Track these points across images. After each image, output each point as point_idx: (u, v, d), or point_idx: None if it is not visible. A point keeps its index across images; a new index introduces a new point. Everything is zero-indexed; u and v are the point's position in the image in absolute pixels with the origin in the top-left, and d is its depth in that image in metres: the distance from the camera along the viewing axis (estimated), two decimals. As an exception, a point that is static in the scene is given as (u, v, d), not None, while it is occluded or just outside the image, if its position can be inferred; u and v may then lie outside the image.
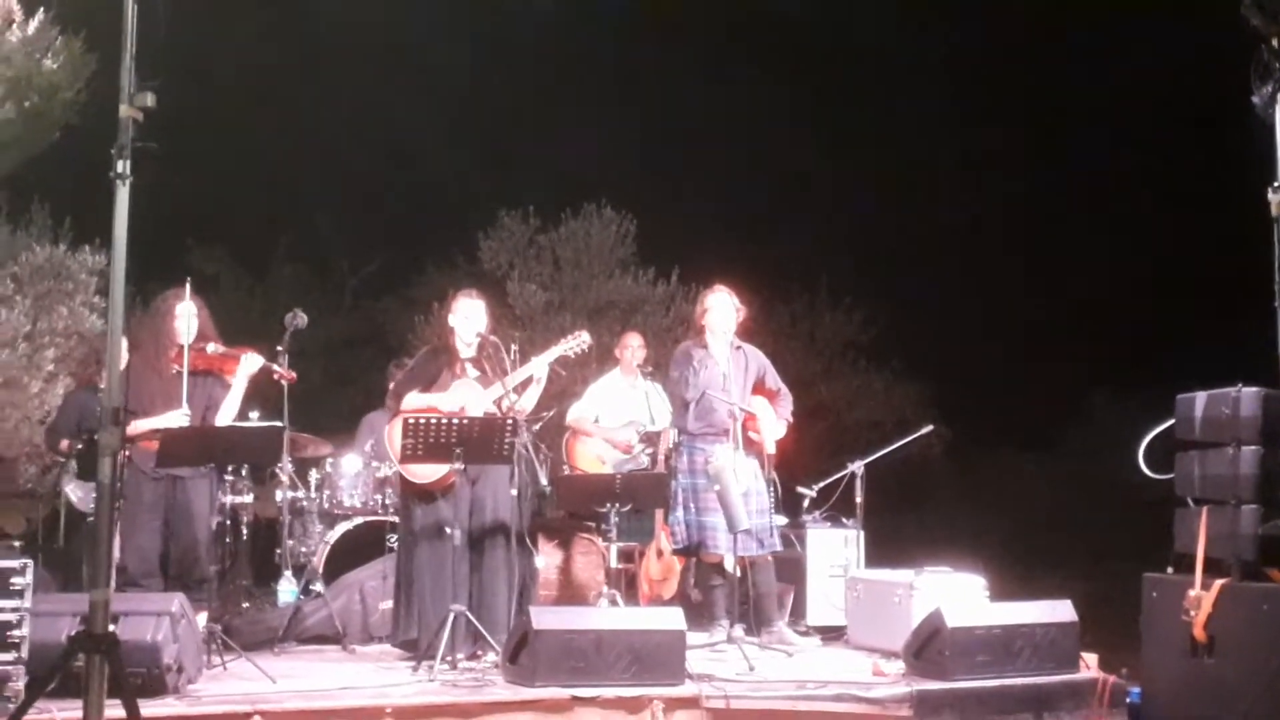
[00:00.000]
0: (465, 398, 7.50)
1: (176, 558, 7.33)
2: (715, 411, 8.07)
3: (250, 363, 7.50)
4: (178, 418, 7.24)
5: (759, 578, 8.14)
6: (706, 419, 8.13)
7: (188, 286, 7.50)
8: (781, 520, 8.41)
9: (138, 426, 7.18)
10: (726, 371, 8.14)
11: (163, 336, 7.44)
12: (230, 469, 8.54)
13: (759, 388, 8.34)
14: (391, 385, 8.35)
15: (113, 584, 6.02)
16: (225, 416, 7.52)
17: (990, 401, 19.55)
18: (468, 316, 7.65)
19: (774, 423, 8.24)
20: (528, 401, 7.60)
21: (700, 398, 8.10)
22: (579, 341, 7.73)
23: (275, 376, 7.69)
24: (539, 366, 7.57)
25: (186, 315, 7.44)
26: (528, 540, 7.84)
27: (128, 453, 7.28)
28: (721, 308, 8.24)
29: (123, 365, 4.77)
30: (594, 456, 9.33)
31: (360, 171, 21.85)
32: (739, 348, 8.31)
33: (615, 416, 9.45)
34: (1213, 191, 14.77)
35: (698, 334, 8.38)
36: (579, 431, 9.45)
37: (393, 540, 8.21)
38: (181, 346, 7.37)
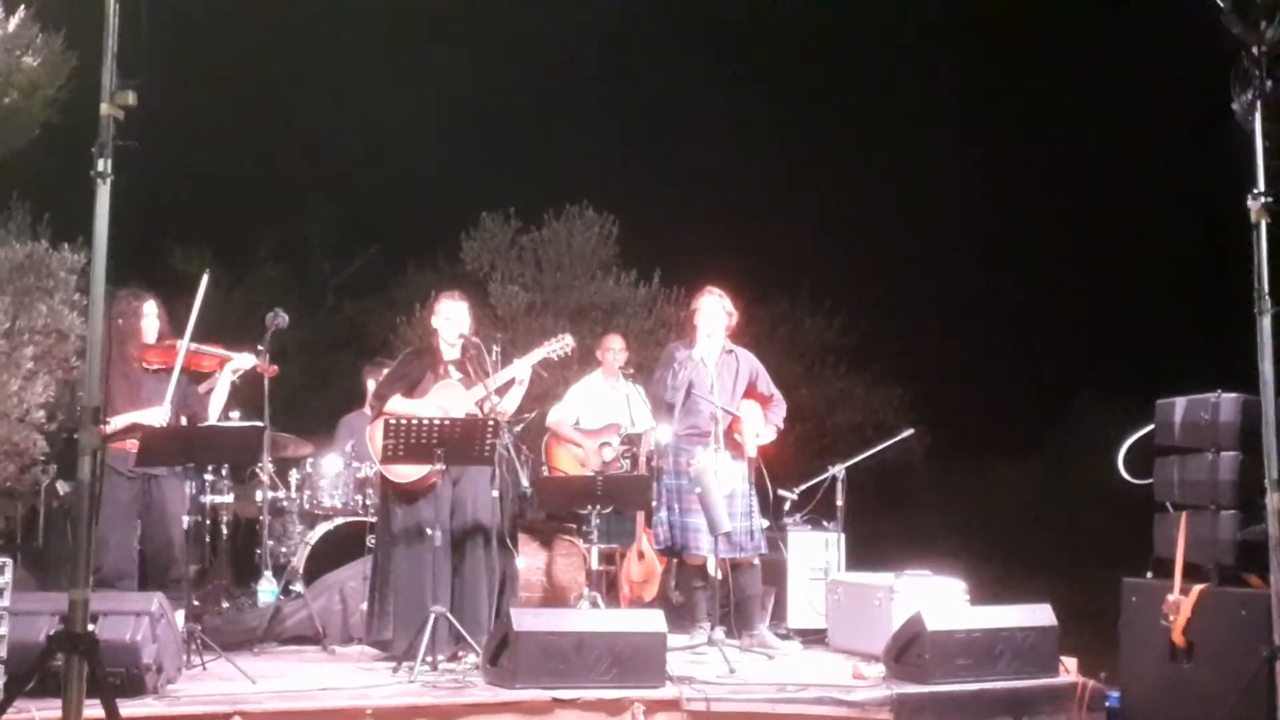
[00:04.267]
0: (448, 400, 7.50)
1: (151, 557, 7.31)
2: (700, 413, 8.07)
3: (241, 361, 7.51)
4: (157, 414, 7.22)
5: (743, 580, 8.13)
6: (691, 420, 8.12)
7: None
8: (763, 523, 8.40)
9: (115, 423, 7.15)
10: (713, 374, 8.13)
11: (128, 338, 7.40)
12: (210, 468, 8.55)
13: (750, 392, 8.32)
14: (373, 386, 8.36)
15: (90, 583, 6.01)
16: (214, 413, 7.56)
17: (971, 406, 19.58)
18: (449, 318, 7.65)
19: (760, 427, 8.23)
20: (509, 403, 7.61)
21: (686, 399, 8.10)
22: (562, 344, 7.74)
23: (258, 368, 7.68)
24: (522, 369, 7.58)
25: (151, 315, 7.46)
26: (508, 541, 7.84)
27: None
28: (710, 310, 8.21)
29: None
30: (573, 459, 9.33)
31: (343, 172, 21.81)
32: (730, 351, 8.28)
33: (596, 418, 9.45)
34: (1196, 197, 14.82)
35: (688, 335, 8.38)
36: (558, 435, 9.44)
37: (373, 541, 8.20)
38: (149, 346, 7.39)
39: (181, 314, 7.52)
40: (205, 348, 7.51)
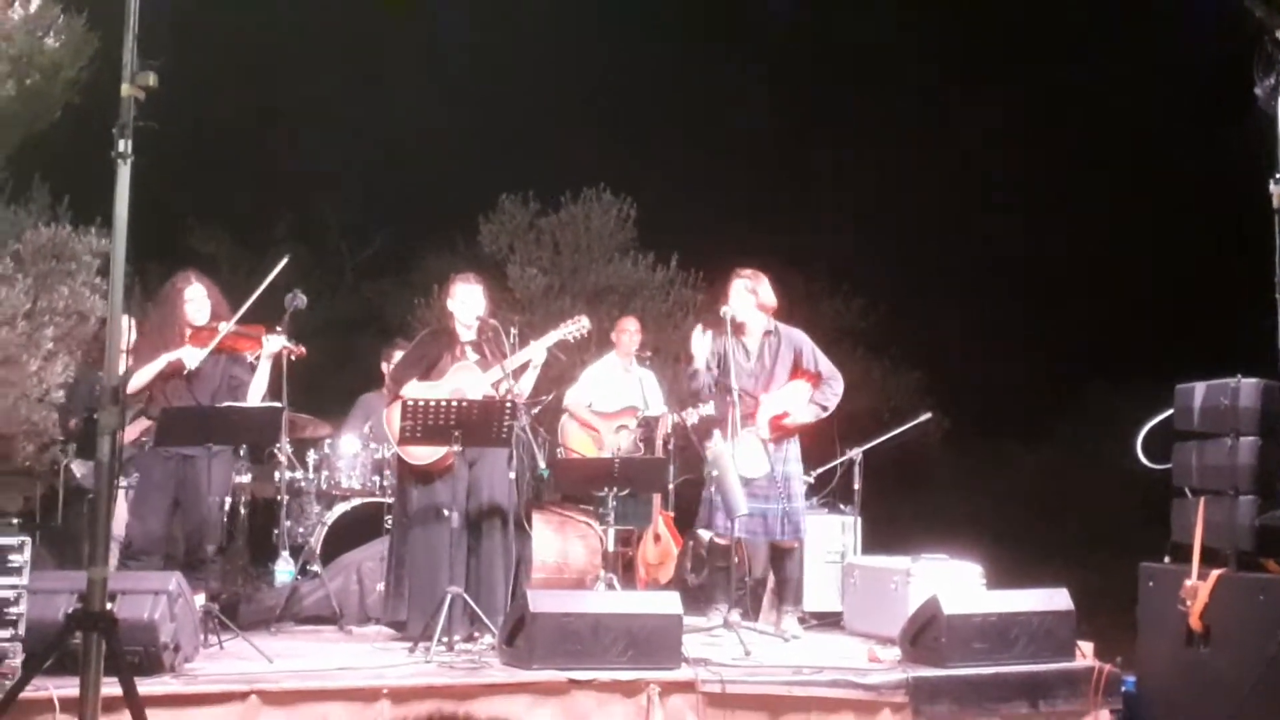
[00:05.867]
0: (463, 381, 7.51)
1: (184, 536, 7.37)
2: (725, 398, 8.02)
3: (272, 343, 7.55)
4: (192, 354, 7.29)
5: (777, 564, 8.13)
6: (721, 403, 8.06)
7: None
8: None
9: (140, 377, 7.22)
10: (751, 355, 8.08)
11: (171, 321, 7.48)
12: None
13: (797, 371, 8.15)
14: (390, 368, 8.37)
15: (112, 561, 6.07)
16: (255, 395, 7.61)
17: (988, 390, 19.53)
18: (464, 300, 7.66)
19: (794, 406, 8.05)
20: (525, 385, 7.61)
21: (714, 381, 8.06)
22: (578, 326, 7.74)
23: (286, 352, 7.71)
24: (537, 351, 7.59)
25: (198, 298, 7.51)
26: (525, 523, 7.85)
27: (142, 432, 7.34)
28: (734, 293, 8.09)
29: (124, 345, 4.77)
30: (588, 440, 9.33)
31: (361, 153, 21.81)
32: (770, 332, 8.16)
33: (610, 401, 9.44)
34: (1214, 182, 14.75)
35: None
36: (575, 416, 9.45)
37: (390, 521, 8.23)
38: (194, 328, 7.44)
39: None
40: (244, 330, 7.55)
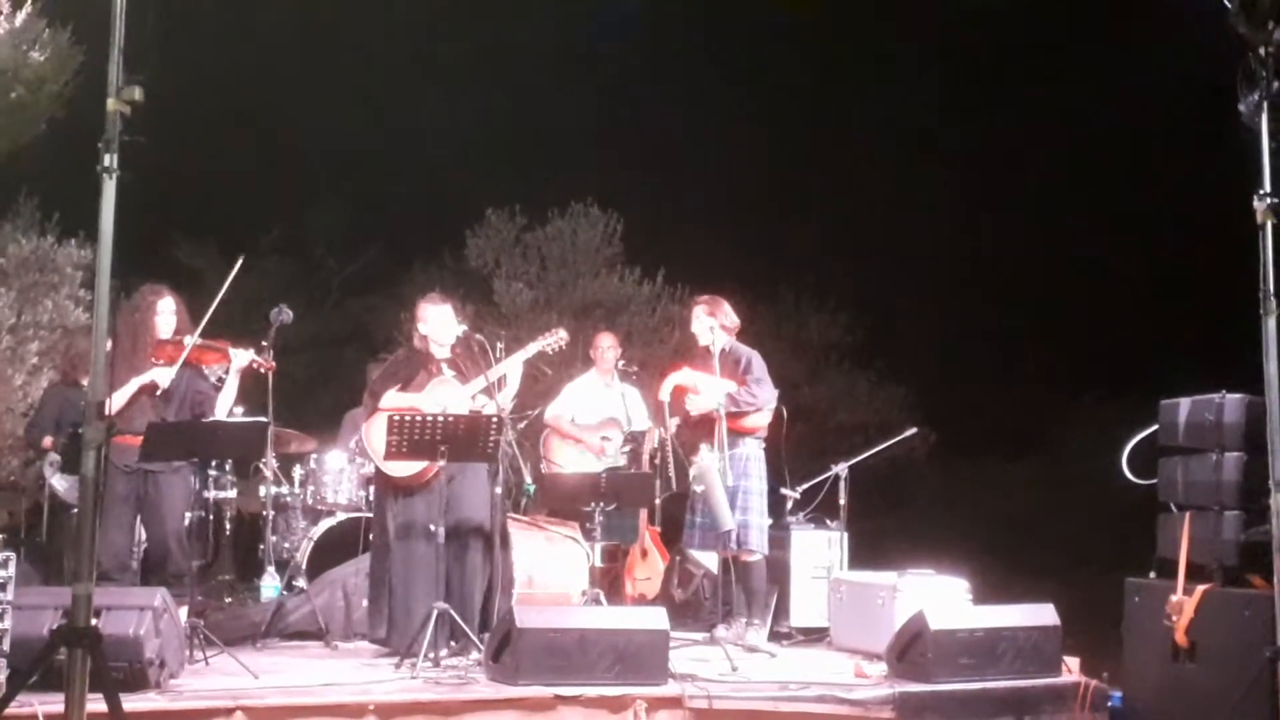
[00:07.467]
0: (443, 396, 7.49)
1: (149, 551, 7.30)
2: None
3: (241, 356, 7.48)
4: (164, 373, 7.19)
5: (741, 576, 8.08)
6: (705, 418, 8.07)
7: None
8: (760, 521, 8.30)
9: (124, 392, 7.14)
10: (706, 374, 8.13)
11: (142, 332, 7.40)
12: (214, 464, 8.54)
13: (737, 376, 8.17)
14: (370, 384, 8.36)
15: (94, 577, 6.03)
16: (222, 410, 7.52)
17: (974, 405, 19.58)
18: (435, 321, 7.64)
19: (695, 386, 8.08)
20: (504, 397, 7.59)
21: None
22: (556, 339, 7.76)
23: (254, 365, 7.63)
24: (513, 364, 7.60)
25: (168, 311, 7.45)
26: (507, 537, 7.84)
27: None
28: (696, 320, 8.26)
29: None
30: (573, 452, 9.30)
31: (348, 168, 21.83)
32: (726, 350, 8.24)
33: (591, 416, 9.42)
34: (1202, 197, 14.80)
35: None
36: (556, 430, 9.43)
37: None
38: (161, 341, 7.36)
39: (193, 308, 7.54)
40: (210, 343, 7.49)
